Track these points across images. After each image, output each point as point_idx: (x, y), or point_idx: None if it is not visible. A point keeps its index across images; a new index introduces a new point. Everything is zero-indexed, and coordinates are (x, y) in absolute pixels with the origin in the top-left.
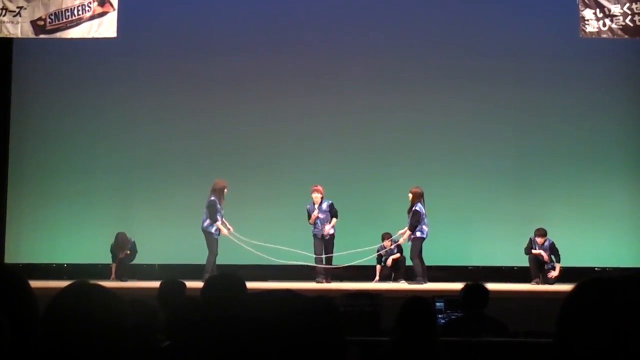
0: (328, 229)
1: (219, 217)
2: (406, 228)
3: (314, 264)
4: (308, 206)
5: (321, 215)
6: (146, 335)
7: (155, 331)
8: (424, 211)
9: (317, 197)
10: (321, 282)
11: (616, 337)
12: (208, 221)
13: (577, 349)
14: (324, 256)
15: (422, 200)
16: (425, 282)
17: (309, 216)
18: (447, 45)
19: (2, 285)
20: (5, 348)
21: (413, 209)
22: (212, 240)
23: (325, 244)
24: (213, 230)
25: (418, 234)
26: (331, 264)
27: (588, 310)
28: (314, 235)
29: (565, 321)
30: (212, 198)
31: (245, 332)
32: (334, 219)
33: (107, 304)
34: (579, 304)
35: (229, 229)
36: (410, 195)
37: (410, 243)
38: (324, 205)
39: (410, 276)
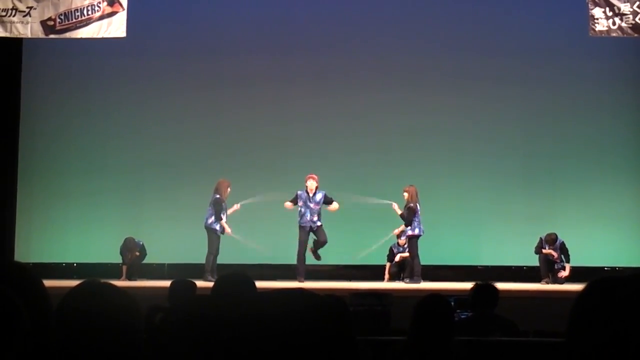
0: (333, 207)
1: (223, 216)
2: (401, 226)
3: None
4: (299, 192)
5: (312, 206)
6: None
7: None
8: (419, 209)
9: (312, 184)
10: (301, 282)
11: (627, 336)
12: (212, 218)
13: (588, 349)
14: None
15: (417, 199)
16: (421, 281)
17: (294, 201)
18: (454, 45)
19: (15, 281)
20: (24, 337)
21: (409, 204)
22: (213, 239)
23: (315, 234)
24: (217, 227)
25: (417, 230)
26: (319, 258)
27: (599, 309)
28: (301, 227)
29: (576, 320)
30: (218, 196)
31: (255, 331)
32: (335, 203)
33: (118, 303)
34: (589, 303)
35: (229, 231)
36: (406, 194)
37: (406, 241)
38: (318, 196)
39: (411, 275)
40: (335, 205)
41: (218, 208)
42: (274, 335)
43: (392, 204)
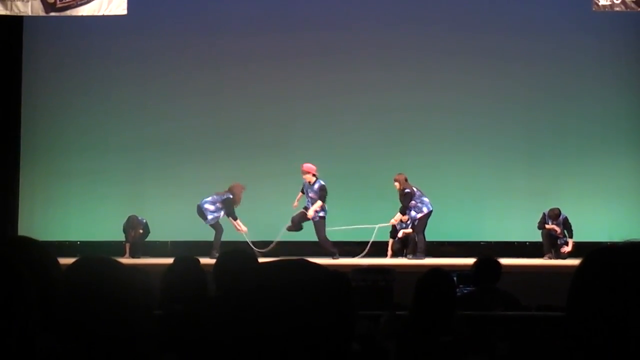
0: (311, 214)
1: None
2: (399, 215)
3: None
4: (304, 182)
5: (311, 195)
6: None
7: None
8: (415, 190)
9: (308, 177)
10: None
11: (626, 306)
12: (211, 207)
13: (587, 320)
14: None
15: (409, 184)
16: (425, 258)
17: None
18: (456, 21)
19: (25, 254)
20: (31, 306)
21: (404, 191)
22: (211, 222)
23: (315, 226)
24: (209, 217)
25: (425, 209)
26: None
27: (597, 280)
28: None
29: (575, 293)
30: (231, 196)
31: (255, 301)
32: (319, 202)
33: (116, 277)
34: (588, 275)
35: (244, 229)
36: (397, 184)
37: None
38: (316, 186)
39: (414, 251)
40: (315, 206)
41: (229, 208)
42: (275, 304)
43: (391, 223)
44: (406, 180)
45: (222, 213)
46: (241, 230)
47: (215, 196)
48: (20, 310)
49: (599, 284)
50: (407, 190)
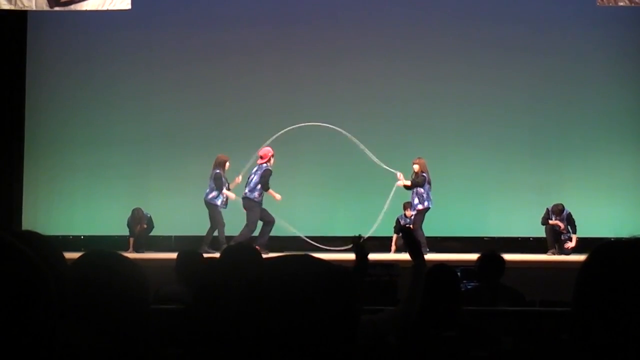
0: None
1: (224, 189)
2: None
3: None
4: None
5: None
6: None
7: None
8: (429, 181)
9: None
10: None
11: (632, 301)
12: (214, 193)
13: (594, 316)
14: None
15: (427, 170)
16: (427, 252)
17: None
18: (462, 12)
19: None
20: (52, 302)
21: (422, 174)
22: (214, 213)
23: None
24: (219, 202)
25: (426, 204)
26: None
27: (603, 275)
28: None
29: (582, 288)
30: (217, 171)
31: (260, 300)
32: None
33: (124, 272)
34: (594, 270)
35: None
36: (417, 167)
37: (414, 213)
38: None
39: None
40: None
41: (219, 183)
42: (279, 299)
43: (397, 174)
44: (426, 166)
45: (224, 192)
46: (232, 197)
47: (208, 182)
48: (42, 302)
49: (606, 279)
50: (423, 174)
